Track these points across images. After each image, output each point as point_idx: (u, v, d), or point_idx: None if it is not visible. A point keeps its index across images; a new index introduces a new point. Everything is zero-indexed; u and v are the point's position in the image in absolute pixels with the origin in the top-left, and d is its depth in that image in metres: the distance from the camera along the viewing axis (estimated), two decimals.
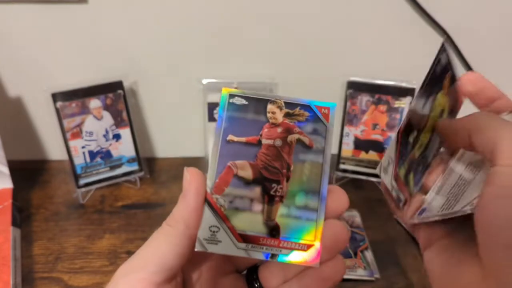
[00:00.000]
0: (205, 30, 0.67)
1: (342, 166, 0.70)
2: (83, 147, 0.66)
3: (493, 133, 0.23)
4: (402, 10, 0.66)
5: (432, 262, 0.26)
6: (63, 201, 0.67)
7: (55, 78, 0.68)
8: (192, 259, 0.25)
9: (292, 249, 0.24)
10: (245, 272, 0.28)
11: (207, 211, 0.24)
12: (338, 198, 0.24)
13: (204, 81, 0.68)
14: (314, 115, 0.26)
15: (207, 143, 0.70)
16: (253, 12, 0.66)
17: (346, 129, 0.68)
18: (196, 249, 0.23)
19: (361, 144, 0.68)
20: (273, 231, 0.24)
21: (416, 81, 0.64)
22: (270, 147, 0.25)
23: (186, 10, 0.65)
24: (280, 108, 0.26)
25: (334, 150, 0.70)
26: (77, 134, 0.65)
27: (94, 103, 0.65)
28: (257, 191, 0.25)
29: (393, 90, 0.65)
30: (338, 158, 0.69)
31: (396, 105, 0.65)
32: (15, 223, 0.59)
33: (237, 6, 0.65)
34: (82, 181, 0.66)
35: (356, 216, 0.63)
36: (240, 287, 0.27)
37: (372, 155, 0.68)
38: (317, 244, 0.23)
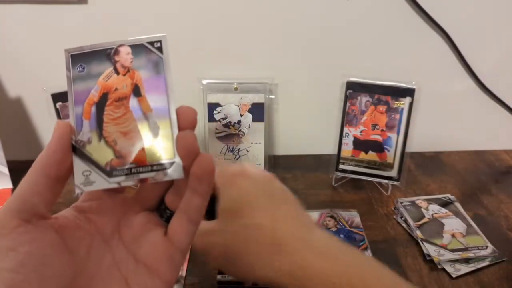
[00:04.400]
0: (205, 30, 0.67)
1: (341, 167, 0.70)
2: None
3: None
4: (402, 10, 0.66)
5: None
6: (63, 201, 0.67)
7: (55, 78, 0.68)
8: (95, 206, 0.30)
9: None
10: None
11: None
12: (185, 113, 0.28)
13: (204, 81, 0.68)
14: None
15: (207, 143, 0.70)
16: (253, 13, 0.66)
17: (346, 129, 0.68)
18: (76, 193, 0.28)
19: (360, 145, 0.68)
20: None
21: (415, 82, 0.65)
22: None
23: (186, 10, 0.65)
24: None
25: (333, 150, 0.70)
26: None
27: None
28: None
29: (392, 90, 0.65)
30: (337, 158, 0.69)
31: (395, 106, 0.66)
32: None
33: (237, 7, 0.65)
34: None
35: (356, 216, 0.63)
36: (153, 220, 0.30)
37: (371, 155, 0.68)
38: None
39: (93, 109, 0.28)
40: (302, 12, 0.66)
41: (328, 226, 0.61)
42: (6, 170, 0.63)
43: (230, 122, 0.69)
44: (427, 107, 0.72)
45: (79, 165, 0.27)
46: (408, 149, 0.67)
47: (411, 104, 0.65)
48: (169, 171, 0.27)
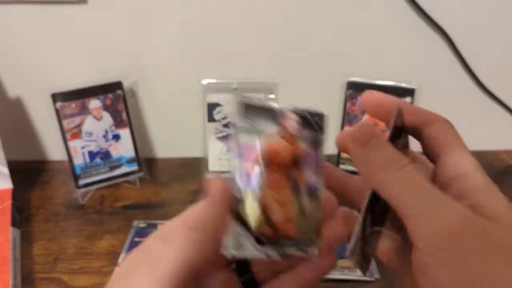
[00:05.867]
0: (205, 30, 0.67)
1: (341, 167, 0.70)
2: (82, 148, 0.66)
3: (404, 205, 0.22)
4: (402, 10, 0.66)
5: None
6: (62, 201, 0.67)
7: (55, 78, 0.68)
8: None
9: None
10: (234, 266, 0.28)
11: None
12: (329, 201, 0.26)
13: (204, 81, 0.68)
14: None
15: (206, 143, 0.70)
16: (253, 13, 0.66)
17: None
18: (226, 255, 0.24)
19: None
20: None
21: (415, 82, 0.64)
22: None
23: (186, 10, 0.65)
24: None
25: (333, 150, 0.70)
26: (77, 135, 0.65)
27: (94, 103, 0.65)
28: None
29: (392, 90, 0.65)
30: (337, 159, 0.69)
31: None
32: (14, 223, 0.59)
33: (237, 7, 0.65)
34: (81, 182, 0.66)
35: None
36: (232, 282, 0.27)
37: None
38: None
39: (256, 168, 0.26)
40: (302, 12, 0.66)
41: None
42: (6, 170, 0.63)
43: (230, 122, 0.69)
44: (427, 107, 0.72)
45: (233, 225, 0.25)
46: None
47: None
48: (311, 250, 0.25)
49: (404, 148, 0.27)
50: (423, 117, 0.27)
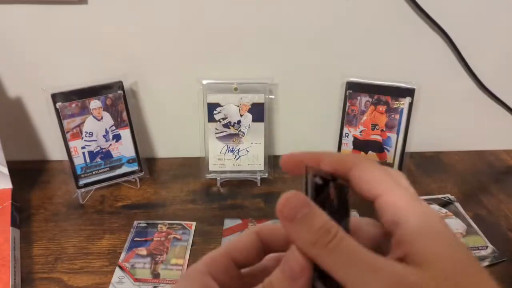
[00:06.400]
0: (205, 30, 0.67)
1: None
2: (83, 148, 0.66)
3: (341, 279, 0.22)
4: (402, 10, 0.66)
5: None
6: (63, 201, 0.67)
7: (55, 78, 0.68)
8: None
9: None
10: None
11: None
12: None
13: (204, 81, 0.68)
14: None
15: (206, 143, 0.70)
16: (253, 13, 0.66)
17: (346, 129, 0.68)
18: None
19: (360, 145, 0.68)
20: None
21: (415, 82, 0.64)
22: None
23: (186, 10, 0.65)
24: None
25: (333, 150, 0.70)
26: (77, 135, 0.65)
27: (94, 103, 0.65)
28: None
29: (392, 90, 0.65)
30: None
31: (395, 106, 0.65)
32: (14, 223, 0.59)
33: (236, 7, 0.65)
34: (82, 182, 0.66)
35: (355, 216, 0.63)
36: None
37: (371, 155, 0.68)
38: None
39: None
40: (302, 12, 0.66)
41: None
42: (6, 170, 0.63)
43: (230, 122, 0.69)
44: (427, 107, 0.72)
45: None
46: (408, 149, 0.66)
47: (411, 104, 0.65)
48: None
49: (340, 199, 0.26)
50: (343, 164, 0.25)
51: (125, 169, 0.69)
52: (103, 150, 0.67)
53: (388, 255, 0.23)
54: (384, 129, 0.67)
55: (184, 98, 0.72)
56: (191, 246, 0.58)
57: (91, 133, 0.66)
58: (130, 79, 0.69)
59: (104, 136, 0.67)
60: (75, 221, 0.64)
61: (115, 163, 0.69)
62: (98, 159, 0.67)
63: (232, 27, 0.67)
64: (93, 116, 0.65)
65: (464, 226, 0.61)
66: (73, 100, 0.63)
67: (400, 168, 0.67)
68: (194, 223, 0.62)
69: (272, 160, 0.74)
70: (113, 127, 0.67)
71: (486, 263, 0.55)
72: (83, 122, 0.65)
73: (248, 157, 0.71)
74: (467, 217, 0.63)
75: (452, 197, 0.67)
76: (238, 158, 0.70)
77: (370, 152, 0.68)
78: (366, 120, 0.67)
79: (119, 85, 0.66)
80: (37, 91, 0.63)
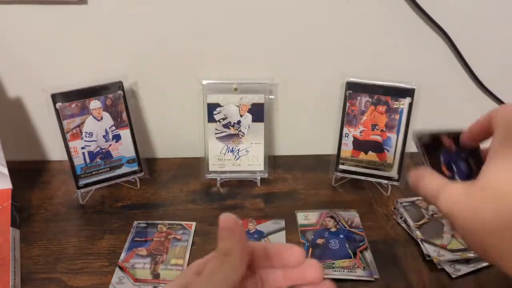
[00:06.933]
0: (205, 30, 0.67)
1: (341, 167, 0.70)
2: (83, 148, 0.66)
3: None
4: (402, 10, 0.66)
5: None
6: (63, 201, 0.67)
7: (55, 78, 0.68)
8: None
9: None
10: None
11: None
12: None
13: (204, 82, 0.68)
14: None
15: (206, 144, 0.70)
16: (253, 13, 0.66)
17: (346, 129, 0.68)
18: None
19: (360, 145, 0.68)
20: None
21: (415, 82, 0.64)
22: None
23: (186, 10, 0.65)
24: None
25: (333, 150, 0.70)
26: (77, 135, 0.65)
27: (94, 103, 0.65)
28: None
29: (392, 91, 0.65)
30: (337, 159, 0.69)
31: (395, 106, 0.65)
32: (14, 223, 0.60)
33: (236, 7, 0.65)
34: (82, 182, 0.66)
35: (355, 216, 0.63)
36: None
37: (371, 155, 0.68)
38: None
39: None
40: (302, 12, 0.66)
41: (328, 226, 0.61)
42: (6, 171, 0.63)
43: (230, 122, 0.69)
44: (427, 107, 0.72)
45: None
46: (408, 149, 0.66)
47: (410, 105, 0.65)
48: None
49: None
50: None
51: (125, 169, 0.69)
52: (103, 150, 0.67)
53: None
54: (384, 129, 0.67)
55: (184, 98, 0.72)
56: (191, 246, 0.59)
57: (91, 133, 0.66)
58: (130, 79, 0.69)
59: (104, 136, 0.67)
60: (75, 221, 0.64)
61: (115, 163, 0.69)
62: (98, 159, 0.67)
63: (232, 27, 0.67)
64: (93, 116, 0.65)
65: None
66: (73, 100, 0.63)
67: (400, 168, 0.67)
68: (194, 223, 0.62)
69: (272, 160, 0.74)
70: (113, 127, 0.67)
71: (486, 263, 0.55)
72: (83, 122, 0.65)
73: (248, 157, 0.71)
74: None
75: None
76: (238, 158, 0.71)
77: (370, 152, 0.68)
78: (366, 120, 0.67)
79: (119, 85, 0.66)
80: (37, 91, 0.63)
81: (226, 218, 0.32)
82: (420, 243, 0.57)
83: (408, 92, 0.64)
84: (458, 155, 0.36)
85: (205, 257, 0.33)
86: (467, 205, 0.31)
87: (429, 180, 0.35)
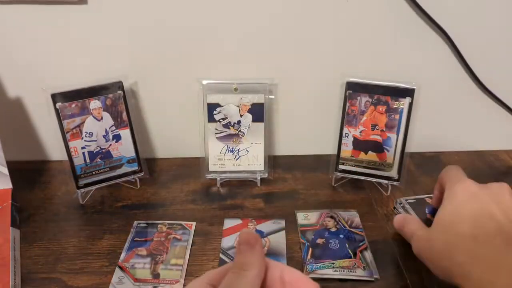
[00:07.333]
0: (205, 30, 0.67)
1: (341, 167, 0.70)
2: (83, 148, 0.66)
3: None
4: (402, 10, 0.66)
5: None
6: (63, 201, 0.67)
7: (55, 78, 0.68)
8: None
9: None
10: None
11: None
12: None
13: (204, 82, 0.68)
14: None
15: (206, 144, 0.70)
16: (253, 13, 0.66)
17: (345, 129, 0.68)
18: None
19: (360, 145, 0.68)
20: None
21: (415, 82, 0.64)
22: None
23: (186, 10, 0.65)
24: None
25: (333, 150, 0.70)
26: (77, 135, 0.65)
27: (94, 103, 0.65)
28: None
29: (392, 90, 0.65)
30: (337, 159, 0.69)
31: (395, 106, 0.65)
32: (14, 223, 0.60)
33: (236, 7, 0.65)
34: (82, 182, 0.66)
35: (355, 216, 0.63)
36: None
37: (371, 155, 0.68)
38: None
39: None
40: (302, 12, 0.66)
41: (327, 226, 0.61)
42: (6, 171, 0.63)
43: (230, 122, 0.69)
44: (427, 107, 0.72)
45: None
46: (408, 149, 0.66)
47: (410, 104, 0.65)
48: None
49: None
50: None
51: (125, 169, 0.69)
52: (103, 150, 0.67)
53: None
54: (384, 129, 0.67)
55: (184, 98, 0.72)
56: (191, 246, 0.59)
57: (91, 133, 0.66)
58: (130, 79, 0.69)
59: (104, 136, 0.67)
60: (75, 221, 0.64)
61: (115, 163, 0.69)
62: (98, 159, 0.67)
63: (232, 27, 0.67)
64: (93, 116, 0.65)
65: None
66: (73, 100, 0.63)
67: (400, 168, 0.67)
68: (194, 223, 0.62)
69: (272, 160, 0.74)
70: (113, 127, 0.67)
71: None
72: (83, 122, 0.65)
73: (248, 157, 0.71)
74: None
75: None
76: (238, 158, 0.71)
77: (370, 152, 0.68)
78: (366, 120, 0.67)
79: (119, 85, 0.66)
80: (37, 91, 0.63)
81: (247, 233, 0.33)
82: None
83: (408, 92, 0.65)
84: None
85: (218, 269, 0.33)
86: (425, 238, 0.46)
87: (408, 225, 0.52)
